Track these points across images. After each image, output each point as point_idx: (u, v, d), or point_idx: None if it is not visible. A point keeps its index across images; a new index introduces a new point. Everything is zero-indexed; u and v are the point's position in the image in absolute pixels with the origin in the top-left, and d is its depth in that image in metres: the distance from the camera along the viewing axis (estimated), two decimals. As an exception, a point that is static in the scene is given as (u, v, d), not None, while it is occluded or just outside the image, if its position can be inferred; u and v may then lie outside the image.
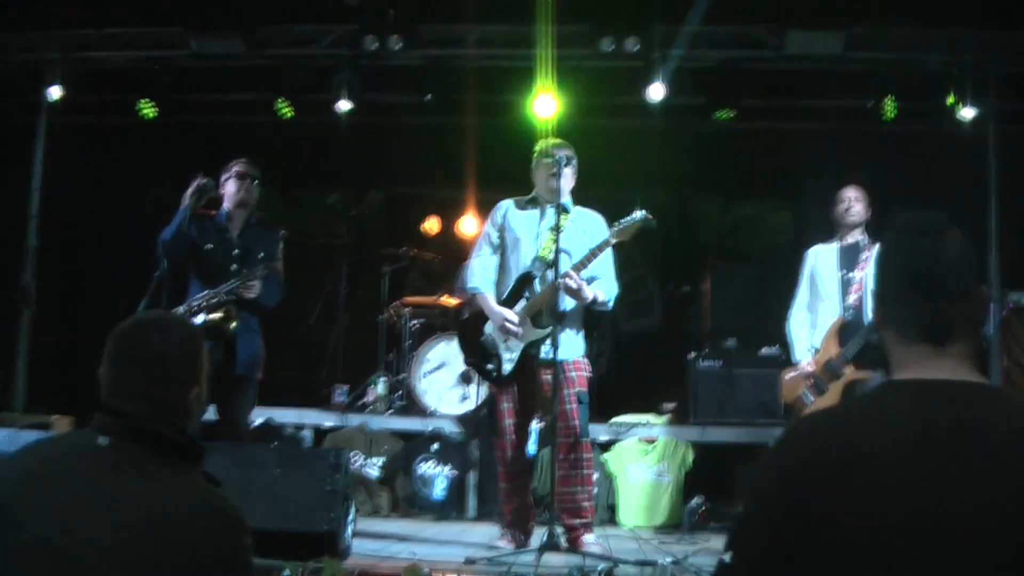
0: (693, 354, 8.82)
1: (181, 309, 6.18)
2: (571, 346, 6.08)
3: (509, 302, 6.17)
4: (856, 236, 6.97)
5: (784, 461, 1.98)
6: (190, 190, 6.17)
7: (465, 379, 8.81)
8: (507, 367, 6.11)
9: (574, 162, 6.21)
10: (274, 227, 6.62)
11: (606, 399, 8.71)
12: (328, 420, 8.67)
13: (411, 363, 9.04)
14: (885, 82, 8.90)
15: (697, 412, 8.64)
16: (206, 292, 6.22)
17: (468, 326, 6.40)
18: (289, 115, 9.44)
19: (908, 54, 8.77)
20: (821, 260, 7.02)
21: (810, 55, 8.78)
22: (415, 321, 9.61)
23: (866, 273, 6.84)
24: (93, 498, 2.25)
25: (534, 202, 6.34)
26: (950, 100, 8.70)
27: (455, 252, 11.03)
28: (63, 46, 9.21)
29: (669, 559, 5.25)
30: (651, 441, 8.23)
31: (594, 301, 6.05)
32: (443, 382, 8.91)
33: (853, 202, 6.97)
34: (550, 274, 6.03)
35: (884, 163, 9.39)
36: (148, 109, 9.39)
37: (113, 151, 10.07)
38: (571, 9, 8.91)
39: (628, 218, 5.98)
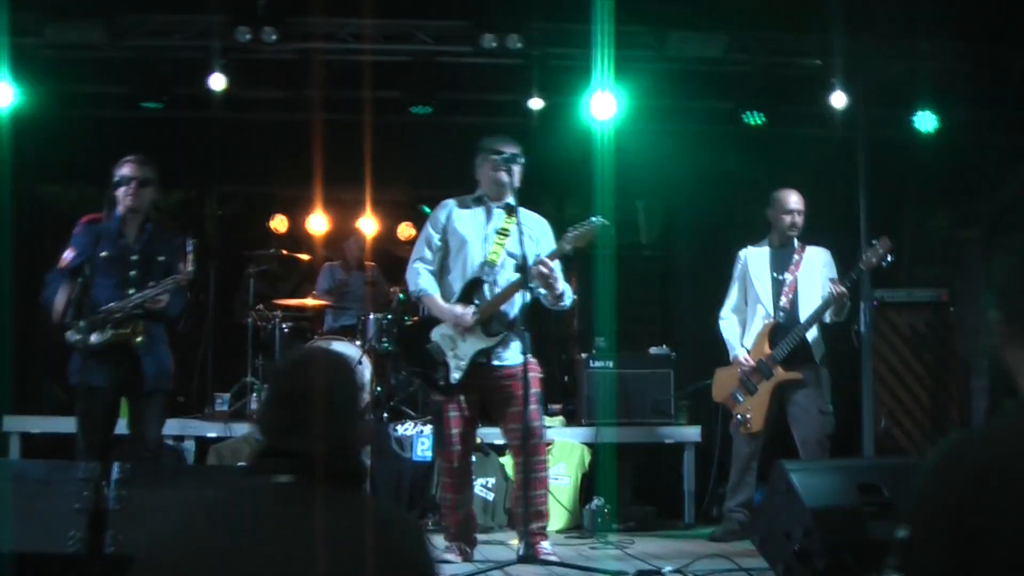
0: (583, 355, 8.75)
1: (83, 323, 5.83)
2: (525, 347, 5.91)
3: (458, 308, 5.93)
4: (790, 241, 7.12)
5: (952, 484, 1.89)
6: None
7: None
8: (455, 375, 5.86)
9: (521, 160, 6.00)
10: (176, 231, 6.27)
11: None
12: (211, 431, 8.23)
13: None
14: (760, 84, 9.07)
15: (590, 413, 8.59)
16: (111, 305, 5.92)
17: (412, 332, 6.16)
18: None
19: (783, 58, 8.99)
20: (754, 262, 7.11)
21: (690, 57, 8.89)
22: (286, 325, 9.25)
23: (797, 275, 7.00)
24: (289, 536, 2.22)
25: (479, 201, 6.08)
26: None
27: (307, 252, 10.71)
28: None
29: (668, 567, 5.19)
30: (546, 444, 8.14)
31: (560, 296, 5.91)
32: (321, 388, 8.55)
33: (797, 216, 7.10)
34: (500, 278, 5.87)
35: (756, 164, 9.60)
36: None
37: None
38: (452, 4, 8.80)
39: (583, 224, 5.82)
